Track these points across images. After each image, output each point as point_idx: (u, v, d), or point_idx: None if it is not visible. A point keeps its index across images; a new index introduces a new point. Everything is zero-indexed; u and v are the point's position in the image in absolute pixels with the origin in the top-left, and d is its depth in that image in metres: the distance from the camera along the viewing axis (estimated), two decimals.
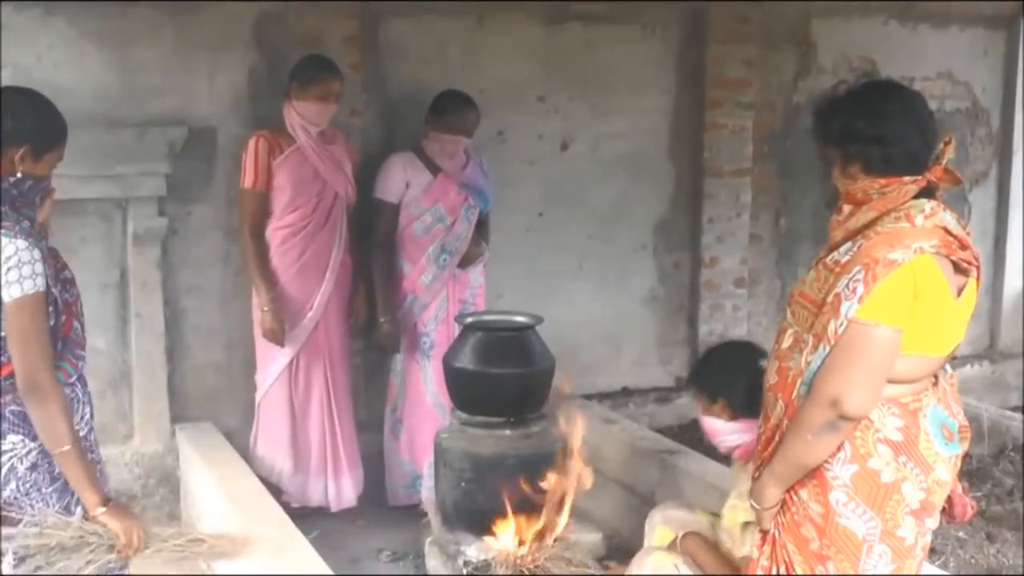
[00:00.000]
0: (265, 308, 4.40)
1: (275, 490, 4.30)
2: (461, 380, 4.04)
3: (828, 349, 2.46)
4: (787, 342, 2.62)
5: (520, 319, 4.17)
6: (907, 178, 2.52)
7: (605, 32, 5.35)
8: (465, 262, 4.73)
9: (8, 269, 2.58)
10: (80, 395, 2.81)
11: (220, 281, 4.73)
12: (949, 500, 2.67)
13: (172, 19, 4.52)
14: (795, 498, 2.60)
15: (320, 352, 4.57)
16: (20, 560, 2.66)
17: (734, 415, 3.16)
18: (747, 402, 3.05)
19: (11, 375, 2.64)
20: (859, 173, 2.56)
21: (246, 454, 4.49)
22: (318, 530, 3.89)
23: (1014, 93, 6.37)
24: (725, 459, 3.46)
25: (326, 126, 4.51)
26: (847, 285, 2.44)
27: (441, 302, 4.70)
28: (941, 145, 2.57)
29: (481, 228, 4.82)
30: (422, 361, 4.70)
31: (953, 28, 6.19)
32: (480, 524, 3.85)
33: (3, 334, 2.63)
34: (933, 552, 4.07)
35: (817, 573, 2.57)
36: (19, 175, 2.67)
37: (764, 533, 2.68)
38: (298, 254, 4.48)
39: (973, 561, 4.28)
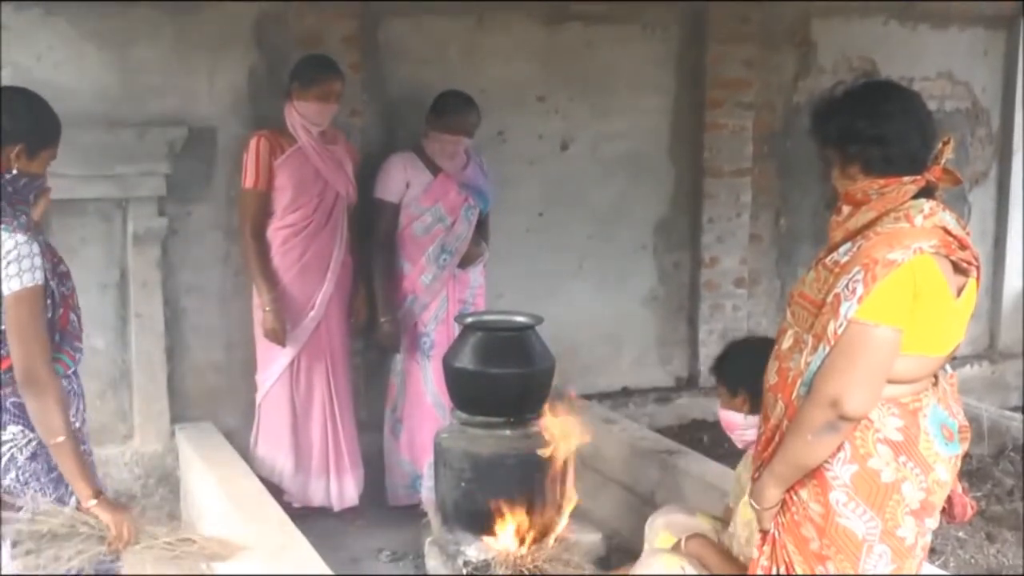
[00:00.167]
0: (267, 308, 4.40)
1: (276, 490, 4.30)
2: (461, 380, 4.04)
3: (828, 349, 2.46)
4: (787, 343, 2.62)
5: (520, 319, 4.17)
6: (906, 178, 2.52)
7: (605, 32, 5.35)
8: (465, 262, 4.73)
9: (8, 263, 2.63)
10: (76, 387, 2.86)
11: (220, 281, 4.73)
12: (949, 500, 2.67)
13: (172, 19, 4.52)
14: (795, 498, 2.60)
15: (321, 352, 4.57)
16: (12, 545, 2.71)
17: (753, 409, 3.15)
18: None
19: (11, 368, 2.68)
20: (858, 174, 2.56)
21: (246, 454, 4.49)
22: (317, 531, 3.89)
23: (1014, 93, 6.37)
24: (725, 459, 3.46)
25: (327, 126, 4.52)
26: (847, 286, 2.44)
27: (441, 302, 4.70)
28: (940, 145, 2.57)
29: (481, 228, 4.82)
30: (422, 361, 4.70)
31: (953, 28, 6.19)
32: (480, 524, 3.85)
33: (2, 328, 2.67)
34: (933, 552, 4.07)
35: (817, 573, 2.57)
36: (15, 172, 2.73)
37: (764, 533, 2.69)
38: (299, 254, 4.48)
39: (973, 561, 4.28)
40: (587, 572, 3.78)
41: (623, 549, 4.19)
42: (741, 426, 3.21)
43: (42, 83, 3.52)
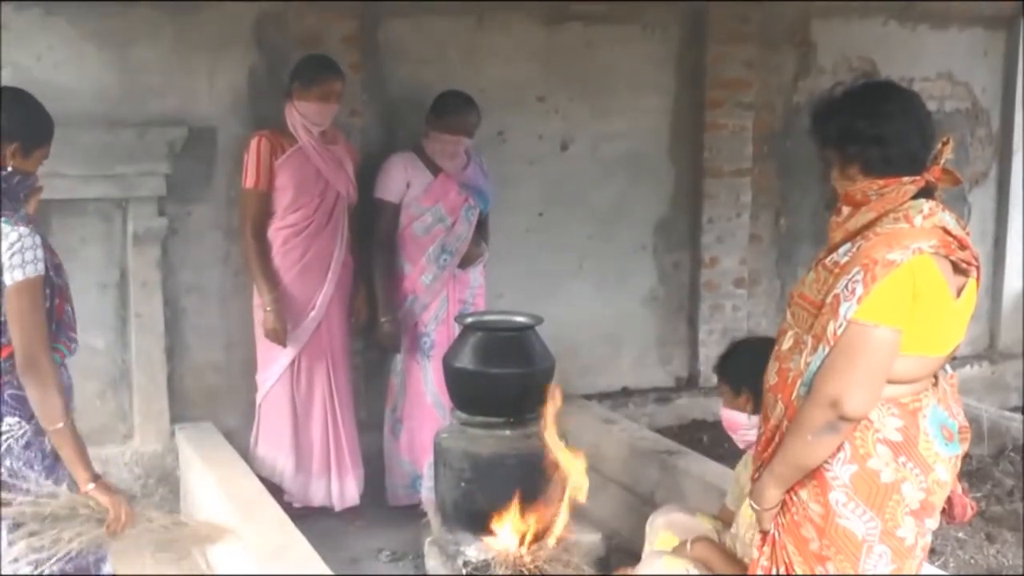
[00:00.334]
0: (268, 308, 4.40)
1: (276, 490, 4.30)
2: (461, 380, 4.04)
3: (827, 350, 2.46)
4: (787, 343, 2.62)
5: (520, 319, 4.17)
6: (906, 179, 2.52)
7: (605, 32, 5.35)
8: (465, 262, 4.74)
9: (12, 254, 2.71)
10: (66, 379, 2.93)
11: (220, 281, 4.73)
12: (949, 500, 2.67)
13: (172, 19, 4.52)
14: (795, 499, 2.60)
15: (322, 352, 4.57)
16: (15, 527, 2.79)
17: (757, 409, 3.14)
18: None
19: (10, 356, 2.76)
20: (858, 174, 2.56)
21: (246, 454, 4.49)
22: (317, 531, 3.89)
23: (1014, 93, 6.37)
24: (725, 459, 3.46)
25: (327, 126, 4.52)
26: (846, 286, 2.44)
27: (441, 302, 4.70)
28: (939, 145, 2.57)
29: (481, 228, 4.82)
30: (422, 361, 4.70)
31: (953, 28, 6.18)
32: (480, 524, 3.85)
33: (3, 317, 2.75)
34: (933, 552, 4.07)
35: (817, 573, 2.57)
36: (9, 169, 2.81)
37: (764, 534, 2.69)
38: (300, 254, 4.49)
39: (973, 561, 4.27)
40: (587, 572, 3.78)
41: (623, 549, 4.19)
42: (744, 426, 3.20)
43: (42, 83, 3.53)
